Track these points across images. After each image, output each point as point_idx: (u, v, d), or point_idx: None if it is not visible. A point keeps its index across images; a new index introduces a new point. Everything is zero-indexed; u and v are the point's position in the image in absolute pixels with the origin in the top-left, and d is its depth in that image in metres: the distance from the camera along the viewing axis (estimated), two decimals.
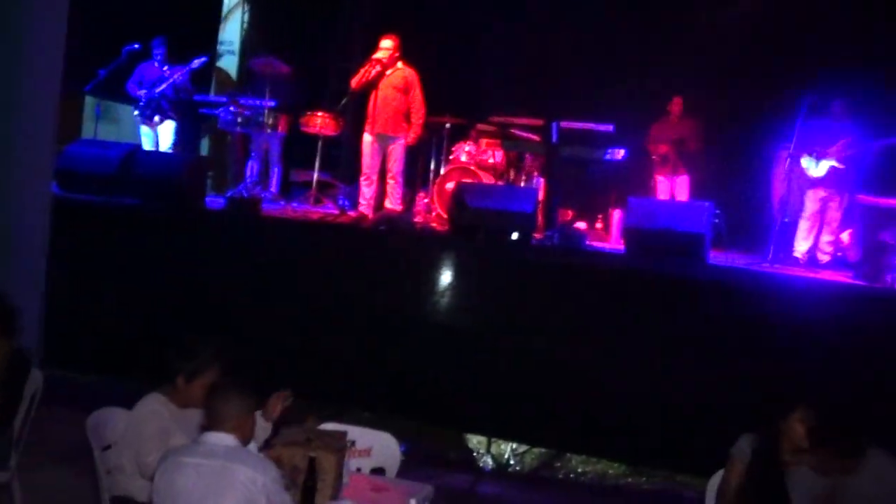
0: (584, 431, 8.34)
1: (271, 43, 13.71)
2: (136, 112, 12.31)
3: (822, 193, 10.39)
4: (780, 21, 11.98)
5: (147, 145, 12.30)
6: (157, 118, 12.29)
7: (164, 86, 12.19)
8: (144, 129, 12.41)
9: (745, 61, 12.25)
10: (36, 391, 5.90)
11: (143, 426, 4.97)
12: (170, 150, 12.26)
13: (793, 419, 4.89)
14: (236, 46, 15.29)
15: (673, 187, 12.01)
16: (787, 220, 10.50)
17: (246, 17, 15.46)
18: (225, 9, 15.44)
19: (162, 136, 12.39)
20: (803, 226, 10.48)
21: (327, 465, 4.53)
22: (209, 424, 4.31)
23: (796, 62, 11.72)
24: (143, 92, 12.19)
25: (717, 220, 9.71)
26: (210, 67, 13.84)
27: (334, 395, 8.60)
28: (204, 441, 4.27)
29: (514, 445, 8.70)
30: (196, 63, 12.49)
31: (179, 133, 12.52)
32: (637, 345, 8.21)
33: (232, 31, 15.39)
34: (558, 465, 8.61)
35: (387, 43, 11.11)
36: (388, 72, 11.08)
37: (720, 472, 5.20)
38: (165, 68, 12.29)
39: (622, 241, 9.81)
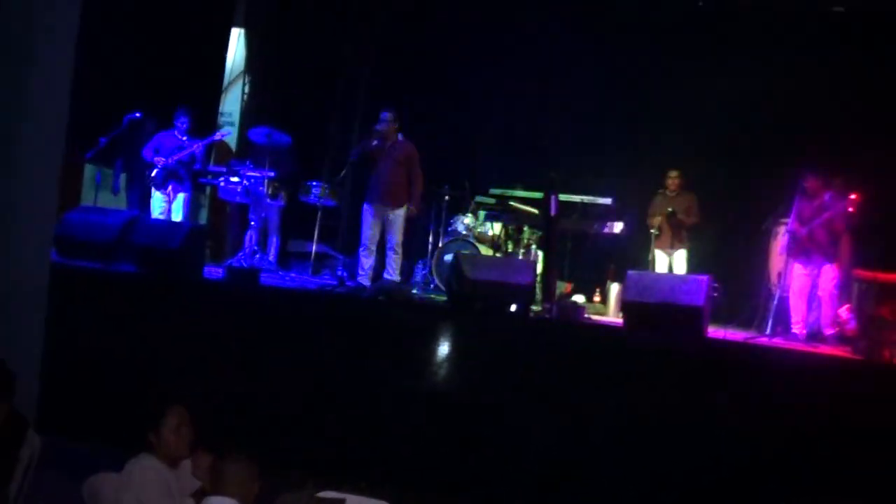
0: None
1: (271, 114, 13.79)
2: (151, 174, 12.33)
3: (807, 268, 10.48)
4: (778, 96, 12.10)
5: (156, 211, 12.35)
6: (170, 187, 12.37)
7: (182, 154, 12.28)
8: (156, 195, 12.43)
9: (743, 136, 12.40)
10: (33, 454, 5.86)
11: (147, 484, 4.95)
12: (181, 220, 12.30)
13: None
14: (236, 117, 15.41)
15: (671, 260, 12.04)
16: (784, 294, 10.53)
17: (246, 88, 15.60)
18: (226, 80, 15.58)
19: (176, 206, 12.47)
20: (794, 300, 10.53)
21: None
22: (213, 489, 4.30)
23: (793, 137, 11.83)
24: (159, 159, 12.25)
25: (715, 294, 9.68)
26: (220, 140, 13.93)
27: (330, 466, 8.53)
28: None
29: None
30: (219, 135, 12.63)
31: (189, 204, 12.59)
32: (636, 419, 8.16)
33: (232, 103, 15.53)
34: None
35: (386, 115, 11.18)
36: (388, 144, 11.14)
37: None
38: (185, 138, 12.39)
39: (621, 315, 9.80)
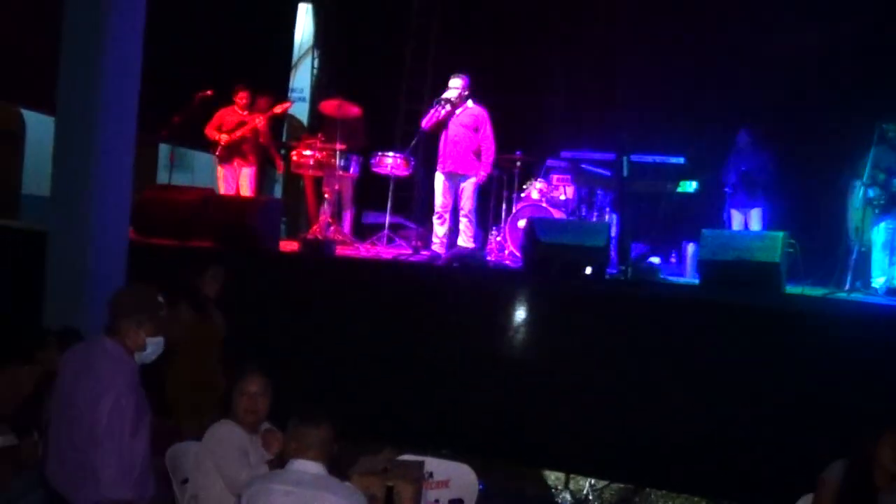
0: (663, 465, 8.24)
1: (341, 87, 13.82)
2: (216, 154, 12.45)
3: (889, 223, 10.26)
4: (852, 49, 11.85)
5: (224, 188, 12.45)
6: (235, 162, 12.46)
7: (245, 130, 12.38)
8: (222, 173, 12.57)
9: (817, 90, 12.13)
10: None
11: (224, 448, 5.04)
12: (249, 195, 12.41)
13: (882, 444, 4.88)
14: (307, 93, 15.51)
15: (747, 219, 11.88)
16: (863, 249, 10.34)
17: (316, 63, 15.67)
18: (295, 56, 15.67)
19: (242, 181, 12.56)
20: (876, 256, 10.33)
21: (405, 494, 4.53)
22: (296, 452, 4.34)
23: (868, 90, 11.57)
24: (223, 136, 12.35)
25: (792, 250, 9.54)
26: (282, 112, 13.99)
27: (410, 435, 8.59)
28: (291, 469, 4.30)
29: (593, 481, 8.62)
30: (279, 108, 12.67)
31: (255, 178, 12.67)
32: (716, 376, 8.11)
33: (302, 78, 15.63)
34: (637, 500, 8.54)
35: (456, 82, 11.18)
36: (458, 111, 11.13)
37: (806, 496, 5.17)
38: (245, 113, 12.46)
39: (697, 274, 9.71)
